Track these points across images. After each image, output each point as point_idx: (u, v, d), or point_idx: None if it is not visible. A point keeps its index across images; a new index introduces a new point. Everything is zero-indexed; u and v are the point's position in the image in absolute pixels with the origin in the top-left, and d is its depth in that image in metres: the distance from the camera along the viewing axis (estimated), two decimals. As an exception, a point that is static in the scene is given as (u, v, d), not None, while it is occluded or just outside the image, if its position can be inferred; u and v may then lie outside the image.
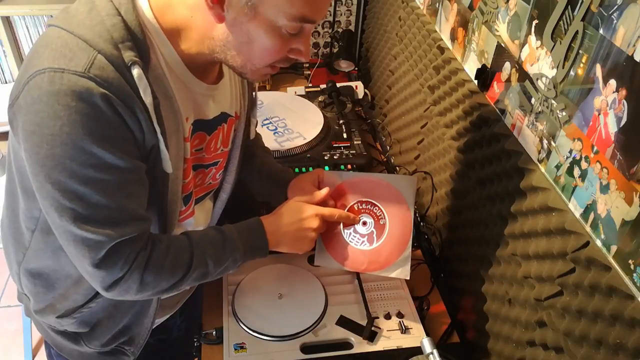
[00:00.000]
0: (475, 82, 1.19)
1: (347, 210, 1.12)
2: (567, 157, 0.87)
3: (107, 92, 0.74)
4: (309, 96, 1.89)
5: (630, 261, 0.73)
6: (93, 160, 0.76)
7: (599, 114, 0.79)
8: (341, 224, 1.12)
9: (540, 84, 0.94)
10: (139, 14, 0.80)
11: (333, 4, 2.12)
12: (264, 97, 1.85)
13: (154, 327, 1.08)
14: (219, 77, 0.97)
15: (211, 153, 1.02)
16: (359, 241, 1.12)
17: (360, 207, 1.12)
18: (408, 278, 1.11)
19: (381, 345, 1.09)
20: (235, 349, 1.06)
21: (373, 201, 1.12)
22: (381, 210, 1.12)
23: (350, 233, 1.12)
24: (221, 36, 0.81)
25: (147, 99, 0.78)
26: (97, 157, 0.76)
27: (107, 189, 0.79)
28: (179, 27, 0.83)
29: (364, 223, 1.11)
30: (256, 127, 1.17)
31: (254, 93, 1.12)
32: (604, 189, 0.78)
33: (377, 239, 1.11)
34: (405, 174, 1.59)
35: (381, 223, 1.11)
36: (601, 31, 0.77)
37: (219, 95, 0.98)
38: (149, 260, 0.86)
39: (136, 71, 0.76)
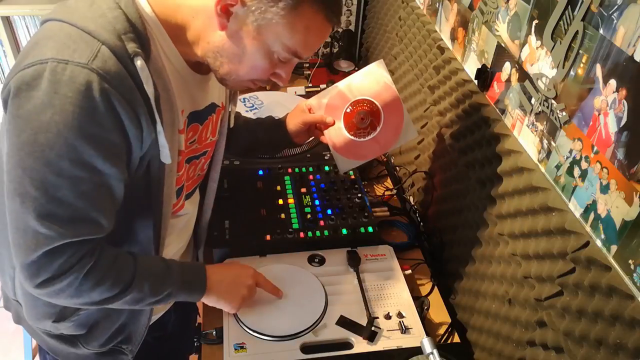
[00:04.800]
0: (475, 82, 1.19)
1: (343, 117, 1.24)
2: (567, 157, 0.87)
3: (108, 86, 0.74)
4: (309, 96, 1.88)
5: (630, 261, 0.73)
6: (72, 154, 0.76)
7: (599, 114, 0.79)
8: (344, 130, 1.23)
9: (540, 84, 0.94)
10: (138, 8, 0.81)
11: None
12: (264, 97, 1.85)
13: (150, 323, 1.08)
14: (208, 69, 0.98)
15: (202, 143, 1.04)
16: (365, 133, 1.23)
17: (353, 109, 1.23)
18: (417, 135, 1.28)
19: (381, 345, 1.09)
20: (235, 349, 1.06)
21: (358, 97, 1.23)
22: (368, 99, 1.23)
23: (355, 132, 1.23)
24: (217, 43, 0.85)
25: (150, 89, 0.79)
26: (77, 151, 0.76)
27: (77, 186, 0.78)
28: (179, 25, 0.85)
29: (362, 118, 1.22)
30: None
31: None
32: (604, 189, 0.78)
33: (378, 122, 1.23)
34: (406, 174, 1.59)
35: (374, 109, 1.23)
36: (601, 31, 0.77)
37: (209, 85, 1.01)
38: (93, 267, 0.84)
39: (139, 62, 0.77)
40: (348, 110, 1.23)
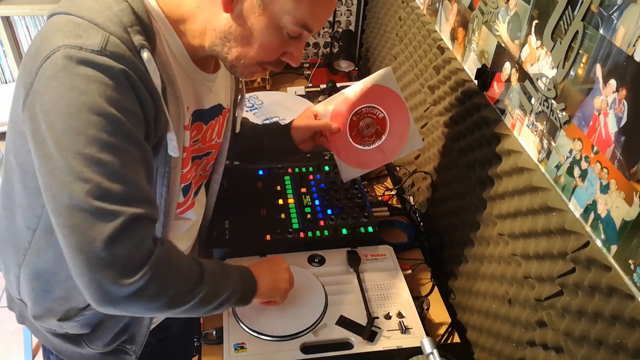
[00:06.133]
0: (475, 82, 1.19)
1: (349, 125, 1.23)
2: (567, 157, 0.87)
3: (125, 67, 0.74)
4: (309, 96, 1.89)
5: (630, 261, 0.73)
6: (110, 126, 0.73)
7: (599, 114, 0.79)
8: (349, 138, 1.23)
9: (540, 84, 0.94)
10: (144, 1, 0.81)
11: (333, 4, 2.12)
12: (264, 97, 1.85)
13: (154, 325, 1.07)
14: (215, 69, 1.00)
15: (206, 143, 1.04)
16: (370, 141, 1.25)
17: (358, 116, 1.23)
18: (422, 145, 1.31)
19: (381, 345, 1.09)
20: (235, 349, 1.06)
21: (365, 105, 1.22)
22: (375, 107, 1.23)
23: (359, 140, 1.24)
24: (224, 27, 0.84)
25: (157, 80, 0.78)
26: (114, 121, 0.73)
27: (124, 156, 0.75)
28: (184, 17, 0.85)
29: (367, 126, 1.23)
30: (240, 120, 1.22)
31: (240, 91, 1.15)
32: (604, 189, 0.78)
33: (383, 130, 1.24)
34: (406, 174, 1.59)
35: (380, 117, 1.23)
36: (601, 31, 0.77)
37: (216, 85, 1.00)
38: (171, 256, 0.81)
39: (145, 54, 0.77)
40: (354, 117, 1.23)
